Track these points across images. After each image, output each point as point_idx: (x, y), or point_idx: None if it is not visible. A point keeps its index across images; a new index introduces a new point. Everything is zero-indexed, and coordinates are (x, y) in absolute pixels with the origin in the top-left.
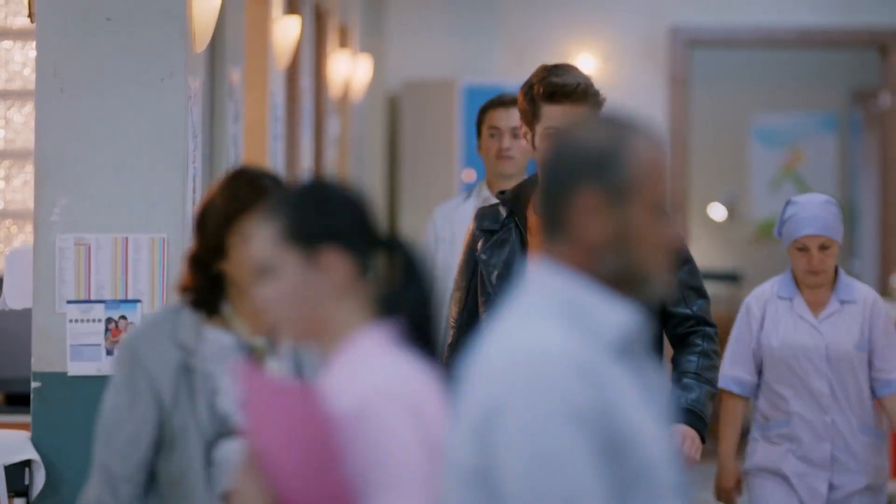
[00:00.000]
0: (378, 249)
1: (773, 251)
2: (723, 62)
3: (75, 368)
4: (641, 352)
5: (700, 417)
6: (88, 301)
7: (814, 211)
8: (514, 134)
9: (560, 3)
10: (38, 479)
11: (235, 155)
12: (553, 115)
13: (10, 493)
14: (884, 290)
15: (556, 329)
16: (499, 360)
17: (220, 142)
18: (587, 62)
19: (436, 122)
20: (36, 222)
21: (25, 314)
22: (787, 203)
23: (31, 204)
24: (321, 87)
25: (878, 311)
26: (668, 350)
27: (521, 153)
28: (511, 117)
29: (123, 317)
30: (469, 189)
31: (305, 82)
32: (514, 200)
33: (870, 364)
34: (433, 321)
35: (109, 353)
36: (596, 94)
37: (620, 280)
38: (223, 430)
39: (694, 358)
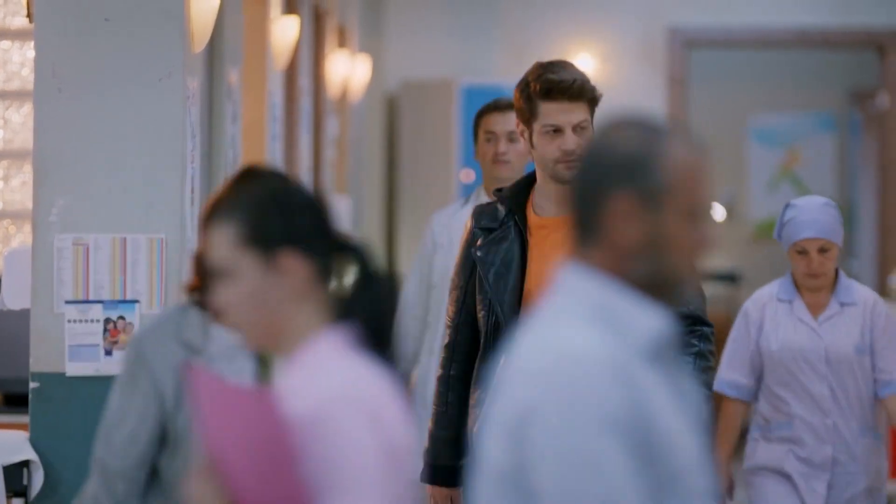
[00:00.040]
0: (336, 253)
1: (772, 251)
2: (721, 62)
3: (73, 369)
4: (672, 357)
5: None
6: (87, 301)
7: (813, 214)
8: (511, 138)
9: (559, 3)
10: (37, 480)
11: (234, 155)
12: (550, 112)
13: (8, 494)
14: (882, 291)
15: (590, 332)
16: (534, 363)
17: (219, 142)
18: (586, 62)
19: (434, 122)
20: (34, 222)
21: (24, 314)
22: (787, 206)
23: (29, 204)
24: (320, 87)
25: (879, 312)
26: None
27: (518, 157)
28: (507, 121)
29: (122, 317)
30: (467, 194)
31: (304, 82)
32: (513, 199)
33: (871, 366)
34: (391, 325)
35: (108, 353)
36: (593, 90)
37: (652, 285)
38: None
39: (690, 359)
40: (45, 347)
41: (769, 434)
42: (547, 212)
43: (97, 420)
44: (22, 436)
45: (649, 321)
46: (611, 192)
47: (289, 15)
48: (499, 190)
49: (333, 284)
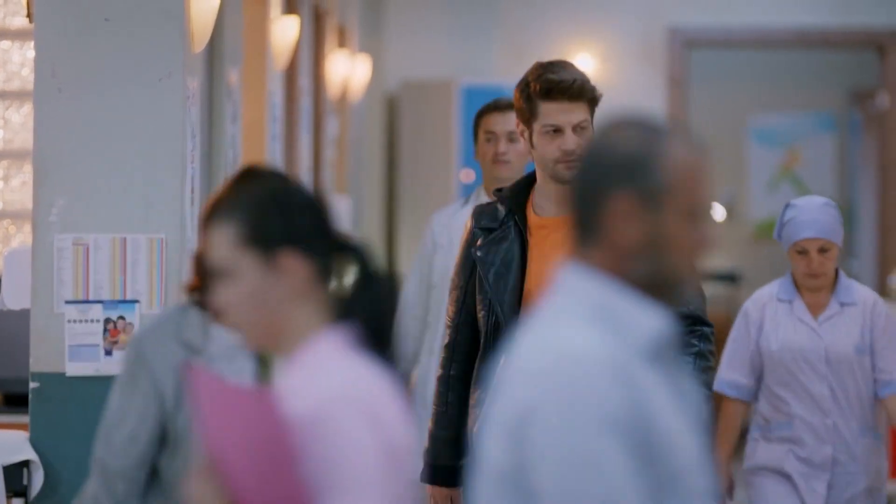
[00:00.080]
0: (336, 253)
1: (772, 251)
2: (721, 62)
3: (73, 369)
4: (672, 357)
5: None
6: (87, 301)
7: (813, 214)
8: (511, 138)
9: (558, 3)
10: (37, 480)
11: (234, 155)
12: (550, 112)
13: (8, 494)
14: (882, 291)
15: (590, 332)
16: (534, 363)
17: (219, 142)
18: (586, 63)
19: (434, 122)
20: (34, 222)
21: (24, 314)
22: (787, 206)
23: (29, 204)
24: (320, 87)
25: (879, 312)
26: None
27: (518, 157)
28: (507, 121)
29: (122, 317)
30: (467, 194)
31: (304, 82)
32: (513, 199)
33: (871, 365)
34: (391, 325)
35: (108, 353)
36: (593, 90)
37: (652, 285)
38: None
39: (690, 359)
40: (45, 347)
41: (769, 434)
42: (547, 212)
43: (97, 420)
44: (22, 436)
45: (649, 321)
46: (611, 192)
47: (289, 15)
48: (499, 190)
49: (333, 284)
